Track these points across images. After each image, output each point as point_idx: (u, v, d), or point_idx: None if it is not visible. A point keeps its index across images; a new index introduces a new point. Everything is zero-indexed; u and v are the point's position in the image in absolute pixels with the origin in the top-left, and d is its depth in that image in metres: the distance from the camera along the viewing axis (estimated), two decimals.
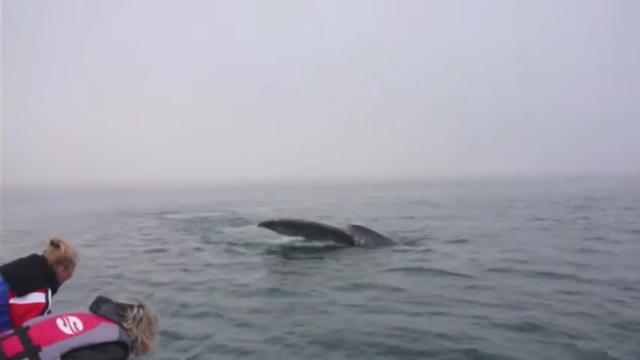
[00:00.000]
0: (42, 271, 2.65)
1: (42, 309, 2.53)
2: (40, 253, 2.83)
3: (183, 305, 6.66)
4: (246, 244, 12.44)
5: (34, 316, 2.38)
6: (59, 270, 2.75)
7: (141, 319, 2.15)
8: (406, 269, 8.85)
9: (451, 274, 8.27)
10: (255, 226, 13.67)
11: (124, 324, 2.10)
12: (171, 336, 5.21)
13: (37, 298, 2.54)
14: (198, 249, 12.17)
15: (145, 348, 2.15)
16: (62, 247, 2.78)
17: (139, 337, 2.12)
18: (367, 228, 12.00)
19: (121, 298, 2.26)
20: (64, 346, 1.89)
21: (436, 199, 37.46)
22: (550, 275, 8.02)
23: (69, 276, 2.87)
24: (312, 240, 11.75)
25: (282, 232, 11.88)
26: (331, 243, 11.53)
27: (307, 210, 27.83)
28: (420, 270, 8.70)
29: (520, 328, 5.34)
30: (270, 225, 11.49)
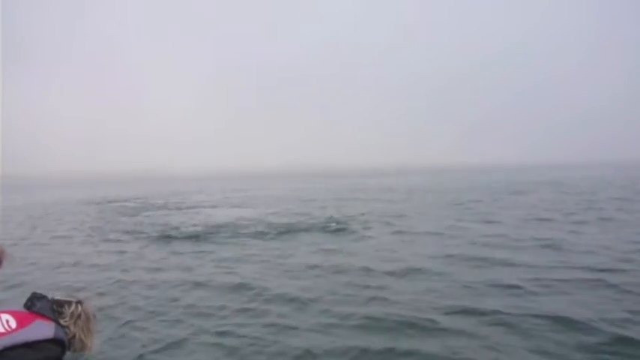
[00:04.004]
0: None
1: None
2: None
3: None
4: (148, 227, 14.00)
5: None
6: None
7: (79, 315, 1.99)
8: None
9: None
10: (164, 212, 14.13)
11: (61, 321, 1.94)
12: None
13: None
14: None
15: (82, 346, 2.00)
16: None
17: (77, 335, 1.96)
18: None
19: (57, 295, 2.07)
20: None
21: (403, 186, 39.28)
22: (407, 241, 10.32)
23: None
24: None
25: None
26: None
27: (258, 197, 29.33)
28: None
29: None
30: None
